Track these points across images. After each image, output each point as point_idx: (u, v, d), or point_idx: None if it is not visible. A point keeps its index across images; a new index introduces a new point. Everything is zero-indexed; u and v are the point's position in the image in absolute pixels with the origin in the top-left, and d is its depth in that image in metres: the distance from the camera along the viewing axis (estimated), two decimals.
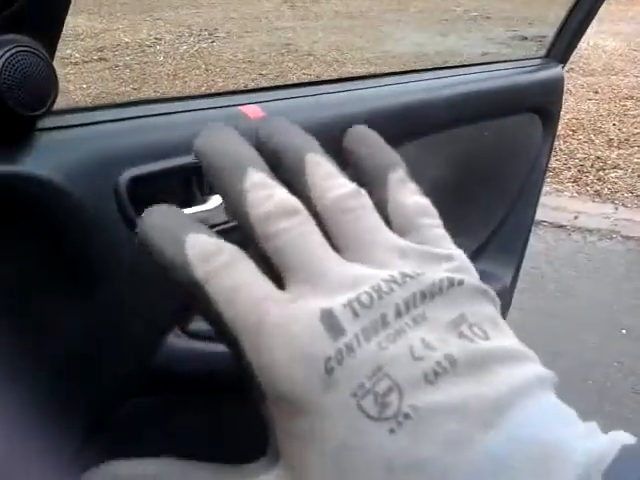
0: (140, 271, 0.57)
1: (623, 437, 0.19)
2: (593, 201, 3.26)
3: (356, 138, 0.26)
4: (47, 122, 0.53)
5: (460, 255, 0.24)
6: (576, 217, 3.05)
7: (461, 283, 0.21)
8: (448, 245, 0.24)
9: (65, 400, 0.58)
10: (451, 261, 0.23)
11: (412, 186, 0.25)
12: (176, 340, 0.61)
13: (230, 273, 0.20)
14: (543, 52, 1.21)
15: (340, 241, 0.22)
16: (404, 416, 0.18)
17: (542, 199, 1.30)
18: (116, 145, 0.57)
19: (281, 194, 0.22)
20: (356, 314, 0.19)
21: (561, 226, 2.95)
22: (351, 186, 0.23)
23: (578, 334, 2.12)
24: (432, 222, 0.24)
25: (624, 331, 2.16)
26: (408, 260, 0.22)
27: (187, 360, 0.62)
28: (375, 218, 0.23)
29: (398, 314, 0.20)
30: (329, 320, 0.19)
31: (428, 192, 0.26)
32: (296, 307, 0.20)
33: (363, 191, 0.23)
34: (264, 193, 0.22)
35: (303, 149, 0.24)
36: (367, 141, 0.26)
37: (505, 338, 0.21)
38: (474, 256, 1.13)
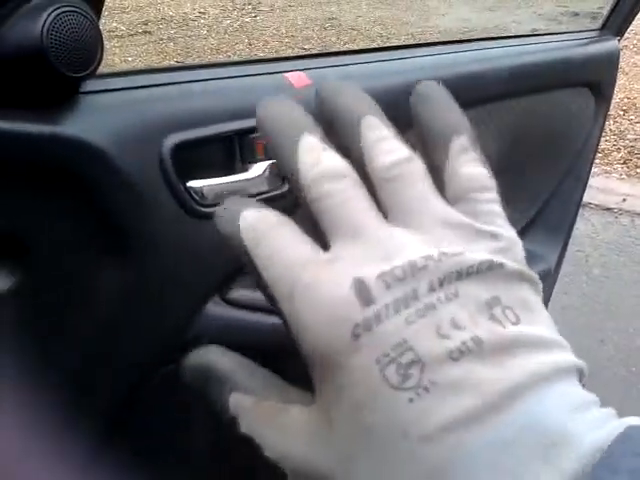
0: (182, 238, 0.57)
1: (630, 424, 0.19)
2: None
3: (423, 95, 0.25)
4: (91, 85, 0.53)
5: (508, 236, 0.23)
6: (624, 200, 2.96)
7: (501, 266, 0.21)
8: (499, 222, 0.24)
9: (100, 367, 0.58)
10: (496, 240, 0.23)
11: (473, 155, 0.24)
12: (215, 308, 0.61)
13: (269, 240, 0.22)
14: (598, 25, 1.17)
15: (386, 207, 0.23)
16: (424, 389, 0.19)
17: (589, 180, 1.25)
18: (160, 110, 0.56)
19: (330, 158, 0.22)
20: (388, 285, 0.20)
21: (608, 209, 2.86)
22: (401, 153, 0.23)
23: (623, 321, 2.06)
24: (487, 196, 0.24)
25: None
26: (451, 231, 0.22)
27: (225, 328, 0.61)
28: (423, 186, 0.23)
29: (431, 289, 0.20)
30: (360, 287, 0.20)
31: None
32: (330, 270, 0.21)
33: (415, 157, 0.23)
34: (314, 156, 0.22)
35: (359, 112, 0.24)
36: (434, 100, 0.25)
37: (536, 324, 0.21)
38: (520, 235, 1.11)
